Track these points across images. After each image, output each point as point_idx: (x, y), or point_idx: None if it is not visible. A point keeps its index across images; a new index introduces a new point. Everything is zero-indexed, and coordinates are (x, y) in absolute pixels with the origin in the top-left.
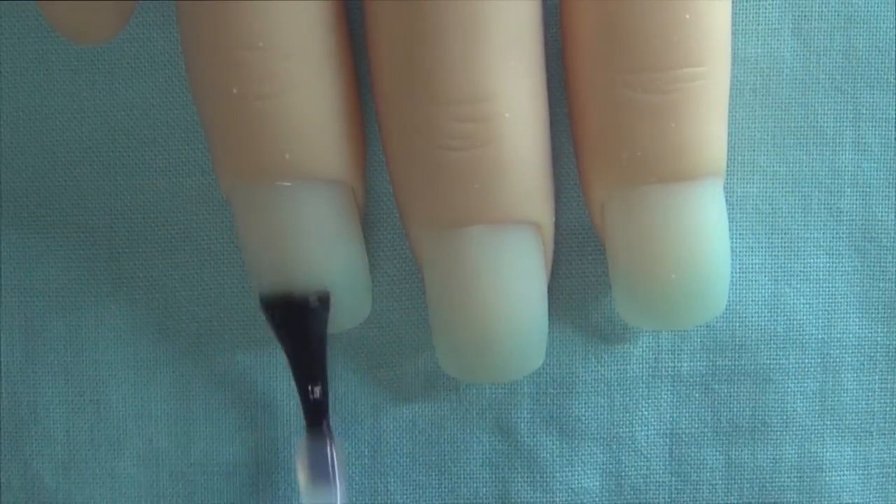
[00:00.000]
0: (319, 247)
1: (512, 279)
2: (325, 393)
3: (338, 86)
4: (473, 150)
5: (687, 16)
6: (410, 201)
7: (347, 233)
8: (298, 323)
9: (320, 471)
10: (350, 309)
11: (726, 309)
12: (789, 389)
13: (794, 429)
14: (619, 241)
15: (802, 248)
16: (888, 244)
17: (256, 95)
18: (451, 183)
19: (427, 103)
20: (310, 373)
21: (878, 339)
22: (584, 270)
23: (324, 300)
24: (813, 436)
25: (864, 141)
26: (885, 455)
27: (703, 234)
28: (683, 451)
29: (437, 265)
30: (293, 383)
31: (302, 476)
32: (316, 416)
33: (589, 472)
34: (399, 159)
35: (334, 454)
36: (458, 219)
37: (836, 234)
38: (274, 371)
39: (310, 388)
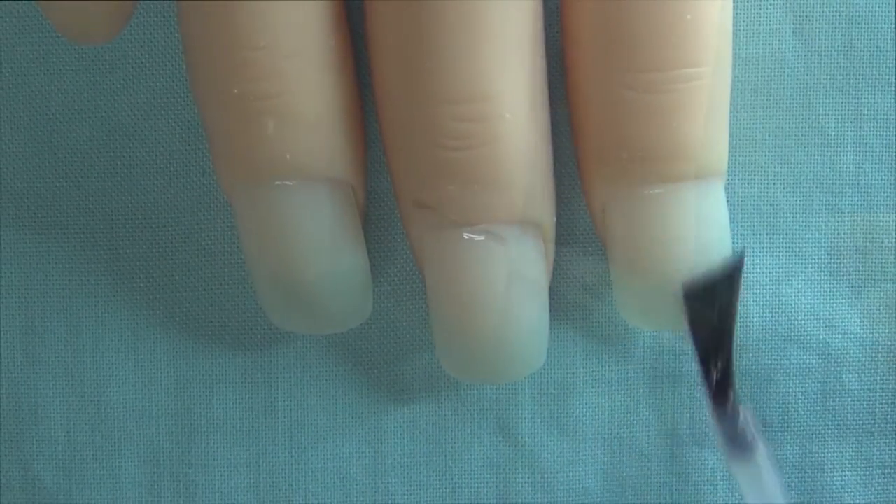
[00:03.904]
0: (320, 246)
1: (513, 280)
2: (729, 362)
3: (339, 86)
4: (473, 150)
5: (688, 16)
6: (411, 201)
7: (348, 232)
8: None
9: (739, 442)
10: (351, 309)
11: None
12: (790, 390)
13: (796, 429)
14: (620, 241)
15: (803, 249)
16: (889, 245)
17: (257, 95)
18: (451, 183)
19: (427, 103)
20: (715, 345)
21: (880, 339)
22: (584, 271)
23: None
24: (814, 436)
25: (865, 141)
26: (887, 455)
27: (704, 234)
28: (684, 451)
29: (437, 265)
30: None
31: (723, 451)
32: (723, 390)
33: (590, 472)
34: (400, 159)
35: (748, 421)
36: (458, 219)
37: (838, 234)
38: (274, 371)
39: (715, 362)
